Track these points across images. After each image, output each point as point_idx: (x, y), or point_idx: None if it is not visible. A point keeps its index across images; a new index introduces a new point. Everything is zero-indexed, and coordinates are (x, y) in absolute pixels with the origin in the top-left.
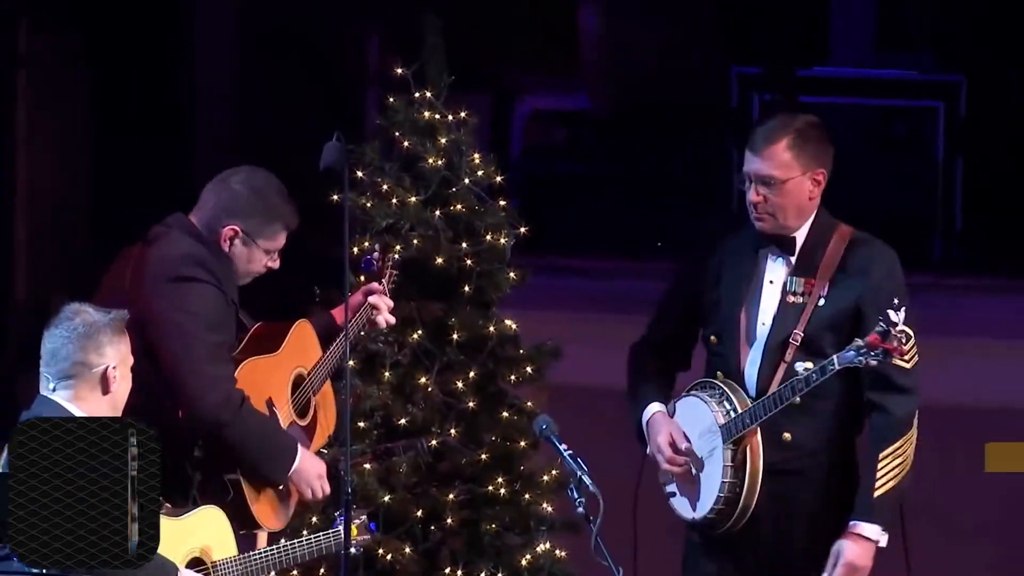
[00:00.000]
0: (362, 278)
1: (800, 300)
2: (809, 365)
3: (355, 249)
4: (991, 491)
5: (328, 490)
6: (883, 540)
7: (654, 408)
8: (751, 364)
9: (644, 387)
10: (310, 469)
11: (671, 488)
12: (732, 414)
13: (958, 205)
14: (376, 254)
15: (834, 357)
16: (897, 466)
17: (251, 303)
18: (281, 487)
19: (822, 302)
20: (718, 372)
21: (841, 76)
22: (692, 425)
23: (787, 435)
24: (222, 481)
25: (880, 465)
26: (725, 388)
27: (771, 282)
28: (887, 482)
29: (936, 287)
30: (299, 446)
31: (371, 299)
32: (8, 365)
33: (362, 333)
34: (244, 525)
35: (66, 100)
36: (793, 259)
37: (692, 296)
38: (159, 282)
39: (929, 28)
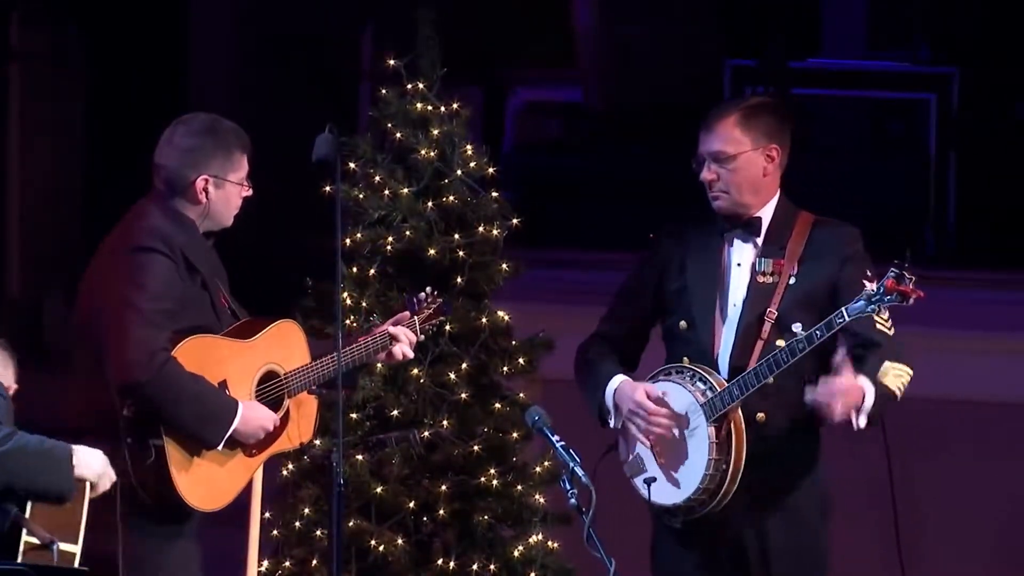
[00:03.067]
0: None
1: (770, 280)
2: (784, 340)
3: (347, 240)
4: (985, 485)
5: (271, 428)
6: (862, 421)
7: (619, 378)
8: (724, 345)
9: (602, 370)
10: (252, 422)
11: (645, 476)
12: (711, 392)
13: (951, 198)
14: (423, 295)
15: (842, 309)
16: (897, 376)
17: (245, 294)
18: (231, 463)
19: (793, 281)
20: (684, 358)
21: (833, 68)
22: (668, 409)
23: (761, 415)
24: (147, 444)
25: (884, 368)
26: (696, 369)
27: (739, 264)
28: (888, 380)
29: (928, 280)
30: (240, 404)
31: (391, 329)
32: None
33: (377, 355)
34: (161, 496)
35: (60, 95)
36: (760, 240)
37: (650, 293)
38: (119, 253)
39: (922, 20)
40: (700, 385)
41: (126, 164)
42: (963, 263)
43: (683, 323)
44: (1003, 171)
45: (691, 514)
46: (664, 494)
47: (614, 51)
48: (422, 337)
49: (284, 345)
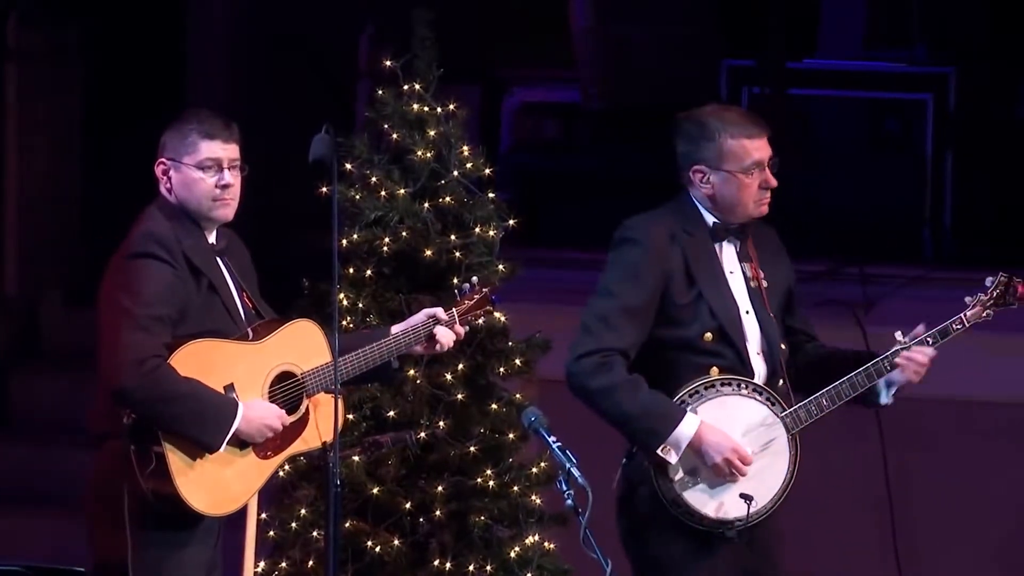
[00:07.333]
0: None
1: (754, 284)
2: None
3: (344, 241)
4: (984, 485)
5: (278, 426)
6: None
7: (694, 420)
8: (752, 354)
9: (652, 397)
10: (255, 421)
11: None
12: (775, 404)
13: (948, 198)
14: (467, 285)
15: (961, 316)
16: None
17: None
18: (242, 464)
19: (766, 283)
20: (713, 368)
21: (830, 68)
22: (733, 425)
23: None
24: (149, 451)
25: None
26: (748, 380)
27: (731, 272)
28: None
29: (925, 280)
30: (240, 405)
31: (437, 312)
32: (0, 361)
33: (413, 347)
34: (167, 502)
35: (57, 95)
36: (738, 246)
37: (656, 306)
38: (118, 259)
39: (919, 20)
40: (759, 396)
41: (124, 164)
42: (960, 263)
43: (708, 335)
44: (1000, 171)
45: (748, 522)
46: (731, 509)
47: (612, 51)
48: (466, 328)
49: (300, 345)
